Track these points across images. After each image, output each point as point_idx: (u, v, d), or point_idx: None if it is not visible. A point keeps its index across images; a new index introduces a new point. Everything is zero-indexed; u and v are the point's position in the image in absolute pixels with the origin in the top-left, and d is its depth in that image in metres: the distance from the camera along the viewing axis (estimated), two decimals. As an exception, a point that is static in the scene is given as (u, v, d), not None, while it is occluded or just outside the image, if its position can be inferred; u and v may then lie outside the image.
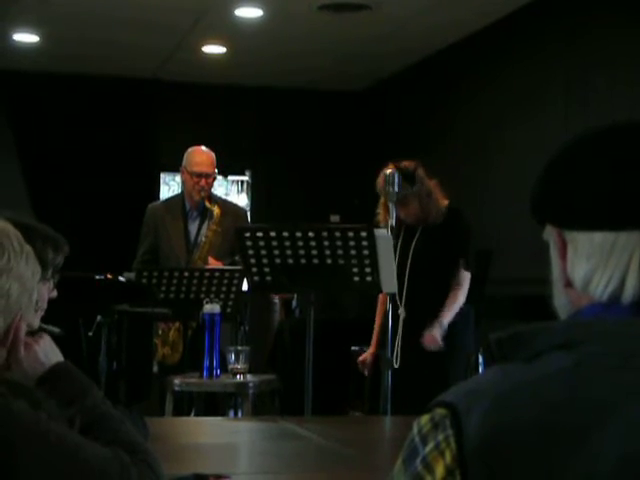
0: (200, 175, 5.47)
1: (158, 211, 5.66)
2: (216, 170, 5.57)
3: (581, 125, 6.24)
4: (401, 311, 4.61)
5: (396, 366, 4.53)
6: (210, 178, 5.52)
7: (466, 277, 4.68)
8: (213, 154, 5.60)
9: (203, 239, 5.47)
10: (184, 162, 5.58)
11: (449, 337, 4.60)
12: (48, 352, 1.83)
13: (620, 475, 1.00)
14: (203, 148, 5.65)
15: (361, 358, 4.93)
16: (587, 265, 1.13)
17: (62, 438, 1.59)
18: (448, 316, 4.61)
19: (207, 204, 5.48)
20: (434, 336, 4.56)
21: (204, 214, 5.53)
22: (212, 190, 5.62)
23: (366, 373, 4.92)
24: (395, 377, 4.48)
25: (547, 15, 6.87)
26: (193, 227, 5.55)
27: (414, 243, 4.68)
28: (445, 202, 4.74)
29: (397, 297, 4.59)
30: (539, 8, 6.90)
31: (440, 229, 4.67)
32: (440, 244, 4.65)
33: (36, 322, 1.95)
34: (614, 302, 1.10)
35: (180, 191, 5.87)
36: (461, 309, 4.68)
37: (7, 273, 1.66)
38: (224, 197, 6.31)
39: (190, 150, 5.64)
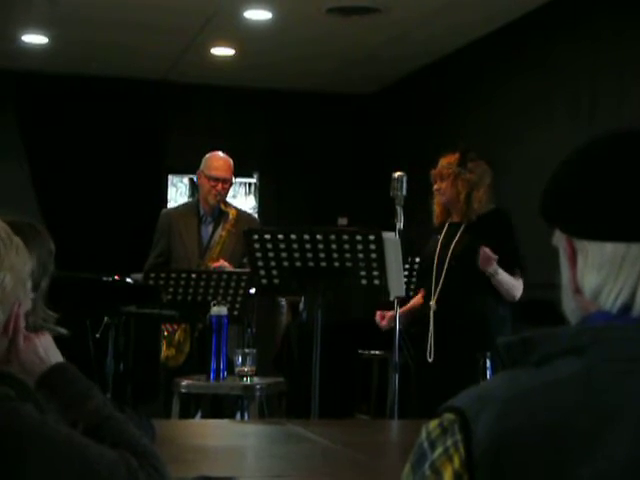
0: (217, 179, 5.56)
1: (172, 216, 5.74)
2: (233, 176, 5.64)
3: (589, 132, 6.22)
4: (432, 304, 4.55)
5: (430, 360, 4.49)
6: (227, 183, 5.61)
7: (520, 281, 4.54)
8: (231, 160, 5.69)
9: (216, 239, 5.52)
10: (202, 166, 5.67)
11: (486, 335, 4.49)
12: (48, 349, 1.82)
13: (629, 479, 1.00)
14: (220, 153, 5.73)
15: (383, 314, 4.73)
16: (597, 276, 1.12)
17: (69, 440, 1.59)
18: (503, 272, 4.44)
19: (223, 207, 5.56)
20: (488, 253, 4.41)
21: (218, 220, 5.60)
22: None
23: (383, 323, 4.71)
24: (428, 372, 4.47)
25: (555, 20, 6.87)
26: (206, 232, 5.61)
27: (456, 239, 4.59)
28: (490, 203, 4.64)
29: (432, 290, 4.56)
30: (548, 13, 6.89)
31: (488, 231, 4.55)
32: (489, 248, 4.45)
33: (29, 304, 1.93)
34: (624, 314, 1.10)
35: (189, 193, 5.92)
36: (498, 311, 4.57)
37: (0, 265, 1.67)
38: (237, 206, 6.35)
39: (209, 155, 5.72)
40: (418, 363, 4.66)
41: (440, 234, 4.67)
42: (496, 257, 4.41)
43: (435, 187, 4.67)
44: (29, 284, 1.77)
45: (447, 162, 4.65)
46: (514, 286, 4.52)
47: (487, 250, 4.41)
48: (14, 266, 1.69)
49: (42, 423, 1.57)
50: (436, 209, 4.72)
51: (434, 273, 4.58)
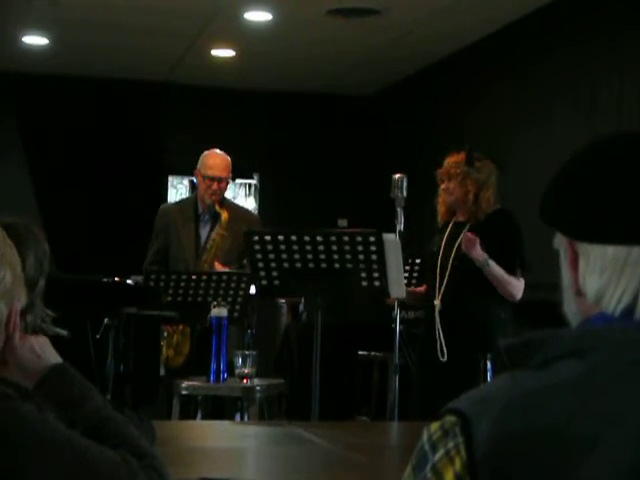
0: (213, 179, 5.42)
1: (170, 212, 5.64)
2: (230, 174, 5.53)
3: (589, 132, 6.23)
4: (437, 304, 4.56)
5: (443, 360, 4.49)
6: (223, 183, 5.46)
7: (521, 281, 4.57)
8: (228, 158, 5.53)
9: (210, 243, 5.45)
10: (199, 164, 5.53)
11: (487, 337, 4.53)
12: (45, 348, 1.81)
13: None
14: (218, 151, 5.58)
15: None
16: (600, 280, 1.11)
17: (70, 440, 1.58)
18: (494, 265, 4.46)
19: (217, 208, 5.45)
20: (470, 236, 4.45)
21: (215, 218, 5.49)
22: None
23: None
24: (434, 372, 4.49)
25: (555, 21, 6.87)
26: (204, 231, 5.52)
27: (460, 238, 4.58)
28: (496, 203, 4.67)
29: (436, 289, 4.57)
30: (547, 14, 6.90)
31: (492, 230, 4.56)
32: (491, 246, 4.51)
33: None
34: (626, 317, 1.10)
35: (190, 194, 5.85)
36: (500, 311, 4.60)
37: (0, 260, 1.67)
38: (237, 203, 6.28)
39: (205, 153, 5.58)
40: (422, 363, 4.65)
41: (443, 233, 4.68)
42: (477, 239, 4.43)
43: (443, 186, 4.65)
44: (23, 281, 1.77)
45: (454, 161, 4.64)
46: (509, 282, 4.52)
47: (469, 234, 4.45)
48: (11, 262, 1.70)
49: (42, 422, 1.57)
50: (441, 208, 4.72)
51: (438, 272, 4.59)
